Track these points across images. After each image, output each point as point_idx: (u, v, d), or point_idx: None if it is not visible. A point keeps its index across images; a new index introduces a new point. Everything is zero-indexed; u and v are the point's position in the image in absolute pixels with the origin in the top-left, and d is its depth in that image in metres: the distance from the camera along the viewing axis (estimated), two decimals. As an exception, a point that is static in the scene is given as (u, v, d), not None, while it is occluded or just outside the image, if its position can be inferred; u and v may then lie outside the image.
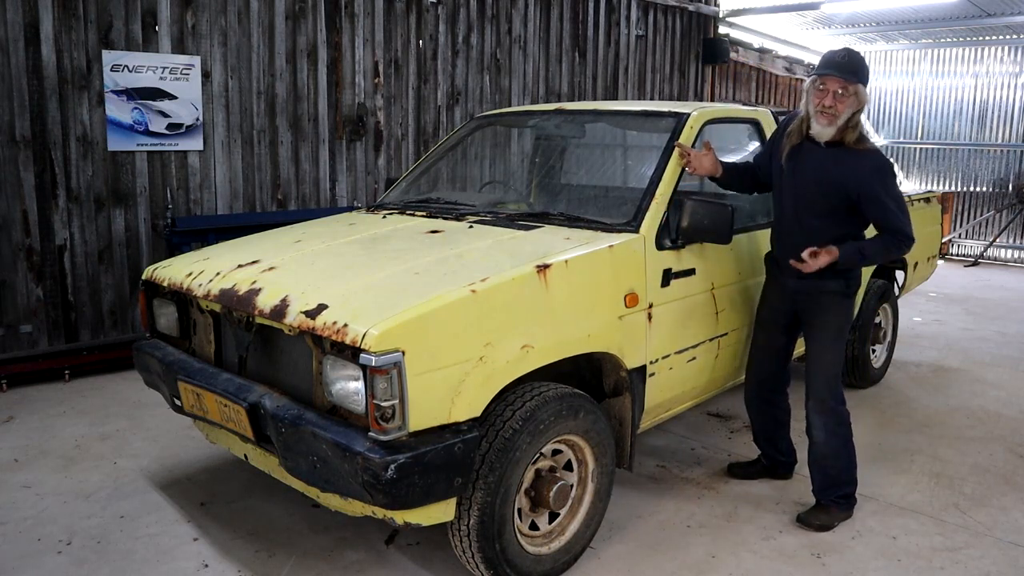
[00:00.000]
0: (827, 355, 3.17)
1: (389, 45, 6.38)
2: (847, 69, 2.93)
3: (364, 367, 2.19)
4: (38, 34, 4.68)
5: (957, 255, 11.13)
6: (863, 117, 3.07)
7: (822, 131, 3.01)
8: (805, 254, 3.00)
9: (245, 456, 2.92)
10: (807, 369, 3.23)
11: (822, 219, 3.08)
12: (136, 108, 5.10)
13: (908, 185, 11.47)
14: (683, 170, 3.20)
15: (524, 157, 5.08)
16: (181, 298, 3.09)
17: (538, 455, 2.63)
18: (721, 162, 3.28)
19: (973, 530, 3.21)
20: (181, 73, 5.26)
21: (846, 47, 3.05)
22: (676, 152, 3.19)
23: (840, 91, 2.94)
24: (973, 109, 10.94)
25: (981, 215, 10.94)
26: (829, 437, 3.18)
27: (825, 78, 2.97)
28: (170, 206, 5.29)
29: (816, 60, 3.11)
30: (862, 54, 3.08)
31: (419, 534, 3.02)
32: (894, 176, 3.05)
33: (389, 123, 6.47)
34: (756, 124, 3.77)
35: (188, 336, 3.11)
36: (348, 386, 2.33)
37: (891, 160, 3.16)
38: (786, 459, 3.58)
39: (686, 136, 3.27)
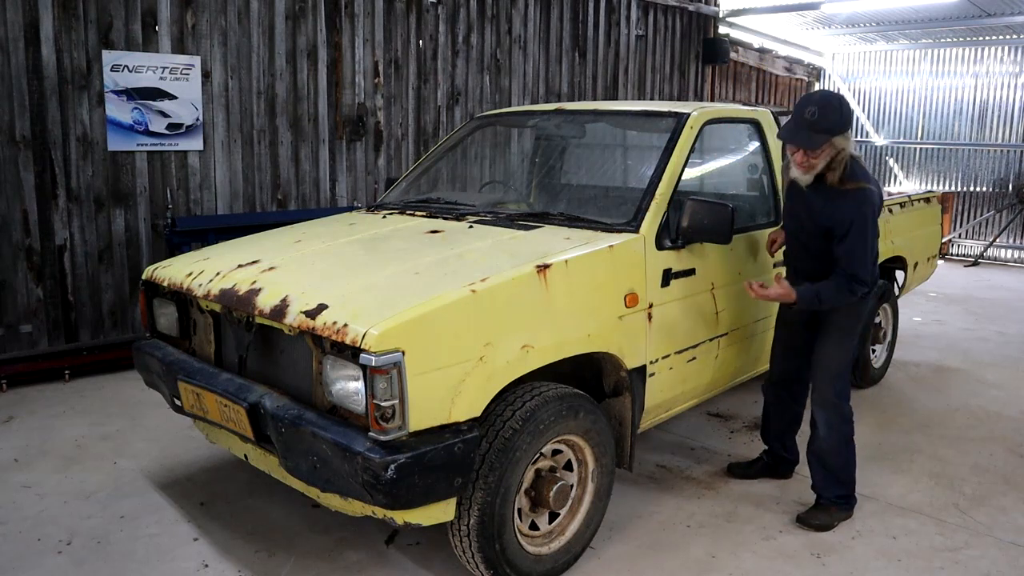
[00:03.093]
0: (831, 351, 3.18)
1: (389, 45, 6.38)
2: (815, 129, 2.86)
3: (364, 367, 2.19)
4: (38, 34, 4.68)
5: (957, 255, 11.12)
6: (851, 148, 2.97)
7: (801, 177, 3.03)
8: (756, 284, 3.14)
9: (245, 456, 2.92)
10: (812, 364, 3.25)
11: (824, 243, 3.09)
12: (136, 108, 5.09)
13: (908, 185, 11.47)
14: (683, 170, 3.20)
15: (524, 157, 5.07)
16: (181, 298, 3.09)
17: (538, 455, 2.63)
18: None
19: (973, 530, 3.21)
20: (181, 73, 5.26)
21: (820, 93, 2.97)
22: (678, 150, 3.17)
23: (810, 153, 2.92)
24: (973, 109, 10.93)
25: (981, 215, 10.94)
26: (830, 432, 3.20)
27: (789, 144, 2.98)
28: (170, 206, 5.29)
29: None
30: (839, 97, 2.96)
31: (419, 534, 3.02)
32: (870, 219, 2.98)
33: (389, 123, 6.47)
34: (756, 124, 3.77)
35: (188, 336, 3.11)
36: (348, 386, 2.34)
37: (874, 201, 3.01)
38: (790, 457, 3.59)
39: (686, 136, 3.26)
